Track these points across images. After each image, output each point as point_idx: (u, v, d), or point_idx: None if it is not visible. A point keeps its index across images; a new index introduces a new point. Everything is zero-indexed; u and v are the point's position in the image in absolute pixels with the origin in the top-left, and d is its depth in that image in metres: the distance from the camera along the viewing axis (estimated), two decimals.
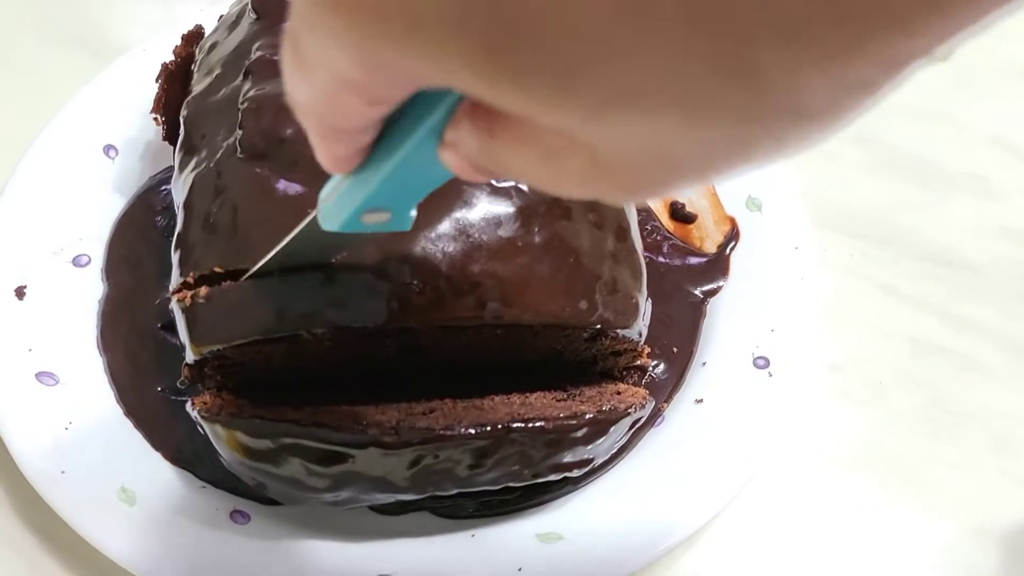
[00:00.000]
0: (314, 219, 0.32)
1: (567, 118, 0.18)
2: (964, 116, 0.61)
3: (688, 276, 0.52)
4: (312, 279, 0.38)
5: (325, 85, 0.22)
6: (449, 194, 0.39)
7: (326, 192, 0.30)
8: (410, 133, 0.24)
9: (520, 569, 0.42)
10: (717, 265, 0.53)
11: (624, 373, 0.46)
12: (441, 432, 0.38)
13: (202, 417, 0.39)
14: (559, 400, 0.43)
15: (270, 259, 0.37)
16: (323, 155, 0.26)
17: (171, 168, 0.54)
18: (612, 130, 0.18)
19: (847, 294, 0.54)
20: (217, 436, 0.39)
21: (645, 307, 0.43)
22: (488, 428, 0.38)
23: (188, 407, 0.40)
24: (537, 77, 0.17)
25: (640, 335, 0.43)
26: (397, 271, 0.38)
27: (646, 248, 0.54)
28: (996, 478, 0.49)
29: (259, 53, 0.45)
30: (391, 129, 0.25)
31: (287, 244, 0.36)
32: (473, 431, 0.38)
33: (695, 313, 0.51)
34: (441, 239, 0.38)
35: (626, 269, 0.42)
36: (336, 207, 0.29)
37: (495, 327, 0.40)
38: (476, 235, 0.39)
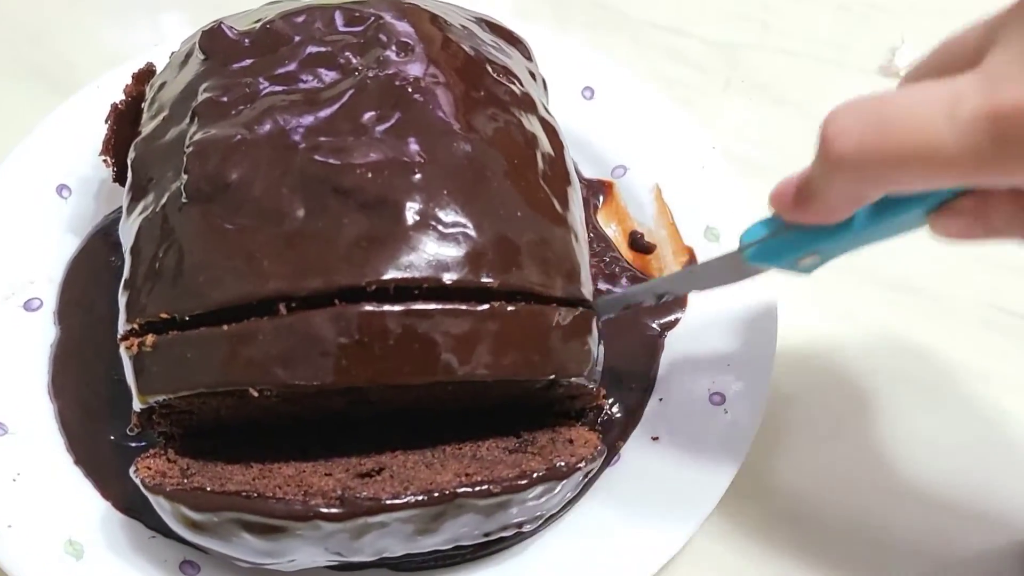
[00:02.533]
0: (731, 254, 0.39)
1: None
2: None
3: (646, 309, 0.52)
4: (260, 333, 0.38)
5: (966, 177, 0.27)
6: (397, 247, 0.39)
7: (756, 236, 0.37)
8: (913, 205, 0.31)
9: None
10: (675, 298, 0.52)
11: (579, 412, 0.46)
12: (387, 503, 0.37)
13: (145, 487, 0.39)
14: (510, 451, 0.42)
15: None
16: (821, 212, 0.32)
17: None
18: None
19: (806, 322, 0.54)
20: (161, 507, 0.39)
21: (598, 352, 0.43)
22: (436, 495, 0.38)
23: (132, 473, 0.40)
24: None
25: (596, 380, 0.43)
26: (347, 328, 0.37)
27: (604, 279, 0.54)
28: (951, 507, 0.48)
29: (206, 95, 0.45)
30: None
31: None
32: (421, 498, 0.38)
33: (652, 347, 0.51)
34: (392, 295, 0.38)
35: (578, 315, 0.42)
36: (780, 248, 0.36)
37: (446, 383, 0.39)
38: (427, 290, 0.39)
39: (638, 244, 0.56)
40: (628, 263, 0.55)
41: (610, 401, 0.48)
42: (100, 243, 0.54)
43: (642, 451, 0.47)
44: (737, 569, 0.46)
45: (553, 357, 0.40)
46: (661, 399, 0.49)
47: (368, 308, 0.38)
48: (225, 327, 0.38)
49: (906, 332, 0.54)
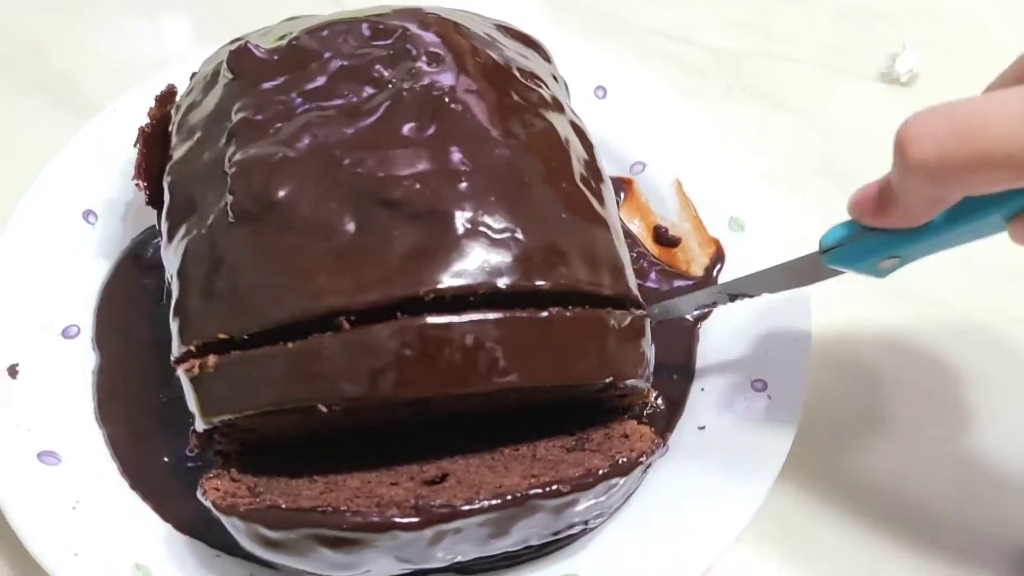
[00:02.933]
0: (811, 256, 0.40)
1: None
2: None
3: None
4: (325, 349, 0.38)
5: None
6: (450, 255, 0.40)
7: (834, 239, 0.38)
8: (990, 209, 0.32)
9: None
10: (705, 288, 0.53)
11: (627, 407, 0.47)
12: (463, 509, 0.38)
13: (218, 509, 0.39)
14: (568, 449, 0.43)
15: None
16: (902, 217, 0.34)
17: (153, 228, 0.54)
18: None
19: (830, 327, 0.55)
20: (235, 528, 0.39)
21: (650, 355, 0.44)
22: (508, 498, 0.38)
23: (200, 495, 0.40)
24: None
25: (648, 379, 0.44)
26: (411, 340, 0.38)
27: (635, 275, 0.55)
28: (963, 512, 0.49)
29: (240, 115, 0.45)
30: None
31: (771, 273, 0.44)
32: (495, 502, 0.38)
33: (689, 338, 0.52)
34: (449, 304, 0.39)
35: (632, 319, 0.43)
36: (860, 251, 0.37)
37: (509, 390, 0.40)
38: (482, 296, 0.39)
39: (663, 238, 0.57)
40: (655, 257, 0.56)
41: (654, 394, 0.49)
42: (131, 266, 0.54)
43: (690, 440, 0.48)
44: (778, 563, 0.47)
45: (611, 361, 0.41)
46: (703, 389, 0.50)
47: (431, 320, 0.38)
48: (289, 345, 0.38)
49: (917, 338, 0.55)
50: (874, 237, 0.36)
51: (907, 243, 0.36)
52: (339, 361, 0.38)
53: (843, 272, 0.40)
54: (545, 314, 0.40)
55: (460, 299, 0.39)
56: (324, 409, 0.39)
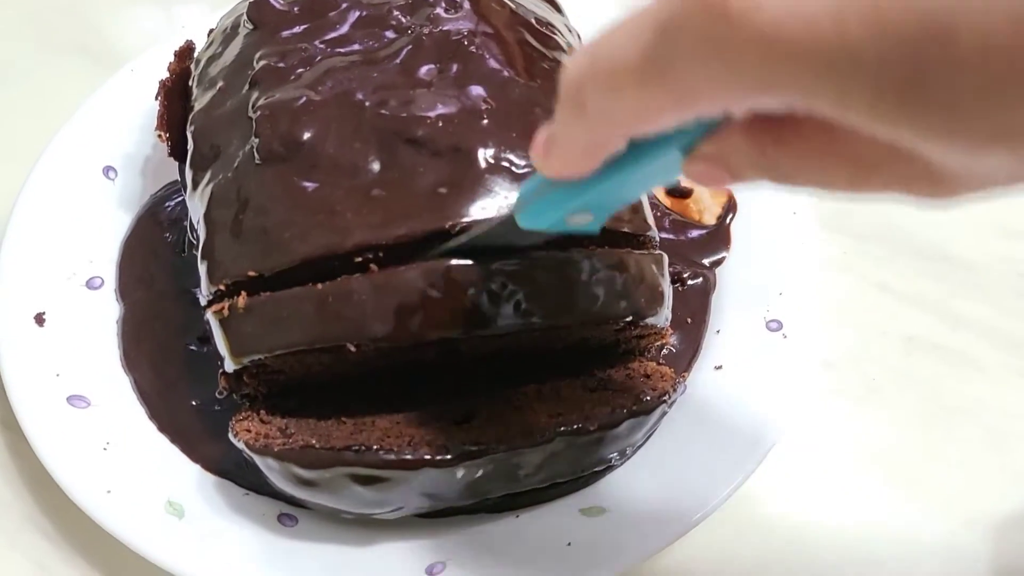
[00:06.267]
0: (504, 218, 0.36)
1: (940, 149, 0.21)
2: None
3: (691, 249, 0.54)
4: (354, 291, 0.39)
5: (659, 95, 0.24)
6: (475, 190, 0.40)
7: (526, 193, 0.34)
8: (662, 147, 0.27)
9: (569, 544, 0.43)
10: (718, 236, 0.54)
11: (644, 349, 0.48)
12: (493, 447, 0.39)
13: (251, 449, 0.40)
14: (591, 390, 0.44)
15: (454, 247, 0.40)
16: (563, 161, 0.29)
17: (173, 184, 0.54)
18: (975, 159, 0.21)
19: (841, 291, 0.55)
20: (269, 468, 0.40)
21: (669, 293, 0.45)
22: (538, 436, 0.40)
23: (232, 437, 0.41)
24: (936, 117, 0.20)
25: (666, 320, 0.45)
26: (439, 282, 0.39)
27: None
28: (990, 473, 0.49)
29: (263, 62, 0.46)
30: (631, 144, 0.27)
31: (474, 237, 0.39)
32: (524, 440, 0.39)
33: (705, 283, 0.53)
34: (482, 253, 0.39)
35: (650, 259, 0.43)
36: (545, 207, 0.33)
37: (533, 329, 0.41)
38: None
39: (676, 190, 0.57)
40: (668, 208, 0.57)
41: (671, 334, 0.50)
42: (151, 220, 0.54)
43: (708, 380, 0.48)
44: (772, 529, 0.48)
45: (631, 300, 0.42)
46: (719, 331, 0.50)
47: (456, 263, 0.39)
48: (319, 286, 0.39)
49: (941, 301, 0.55)
50: (557, 190, 0.32)
51: (587, 193, 0.30)
52: (368, 302, 0.39)
53: (540, 231, 0.35)
54: (565, 255, 0.41)
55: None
56: (353, 349, 0.39)
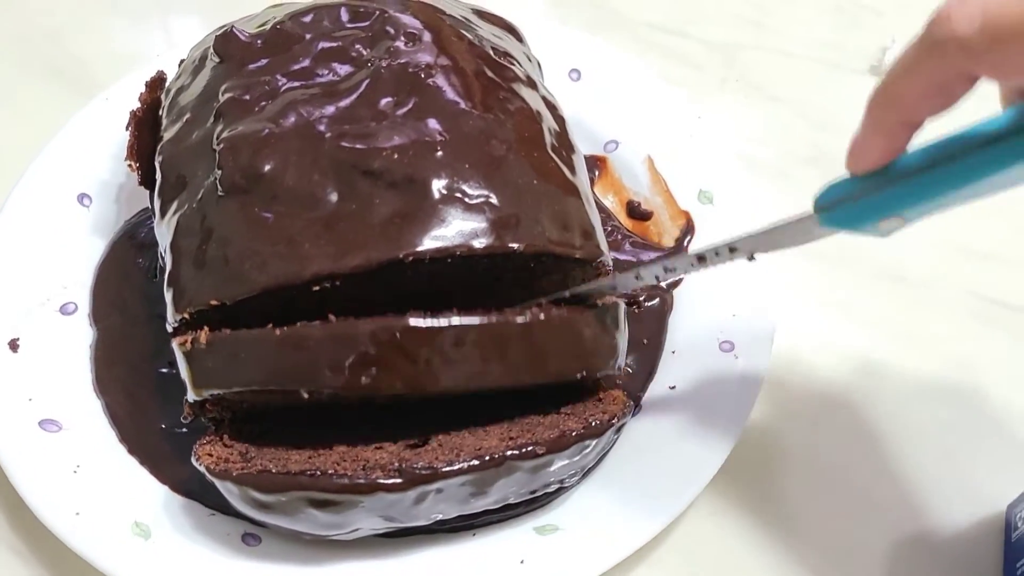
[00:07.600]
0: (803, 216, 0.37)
1: None
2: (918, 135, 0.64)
3: None
4: (310, 339, 0.40)
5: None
6: (428, 220, 0.42)
7: (835, 195, 0.36)
8: (1007, 150, 0.28)
9: (522, 561, 0.44)
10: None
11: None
12: (443, 470, 0.40)
13: (211, 473, 0.41)
14: (544, 413, 0.45)
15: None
16: (869, 150, 0.33)
17: (146, 210, 0.56)
18: None
19: (795, 311, 0.56)
20: (228, 491, 0.41)
21: (624, 342, 0.46)
22: (487, 459, 0.41)
23: (194, 461, 0.42)
24: None
25: (619, 368, 0.46)
26: (392, 339, 0.40)
27: (609, 247, 0.57)
28: (942, 491, 0.50)
29: (227, 95, 0.47)
30: (947, 151, 0.30)
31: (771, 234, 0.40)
32: (474, 463, 0.41)
33: (662, 305, 0.54)
34: (445, 308, 0.41)
35: (606, 312, 0.45)
36: (859, 209, 0.35)
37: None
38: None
39: (636, 212, 0.59)
40: (628, 230, 0.58)
41: (628, 358, 0.51)
42: (126, 246, 0.56)
43: (661, 400, 0.50)
44: (729, 539, 0.49)
45: (586, 357, 0.44)
46: (674, 351, 0.52)
47: (413, 322, 0.40)
48: (277, 331, 0.40)
49: (896, 319, 0.57)
50: (877, 195, 0.34)
51: (912, 198, 0.33)
52: (322, 351, 0.40)
53: (837, 232, 0.37)
54: (522, 319, 0.42)
55: (438, 295, 0.41)
56: (305, 395, 0.41)
